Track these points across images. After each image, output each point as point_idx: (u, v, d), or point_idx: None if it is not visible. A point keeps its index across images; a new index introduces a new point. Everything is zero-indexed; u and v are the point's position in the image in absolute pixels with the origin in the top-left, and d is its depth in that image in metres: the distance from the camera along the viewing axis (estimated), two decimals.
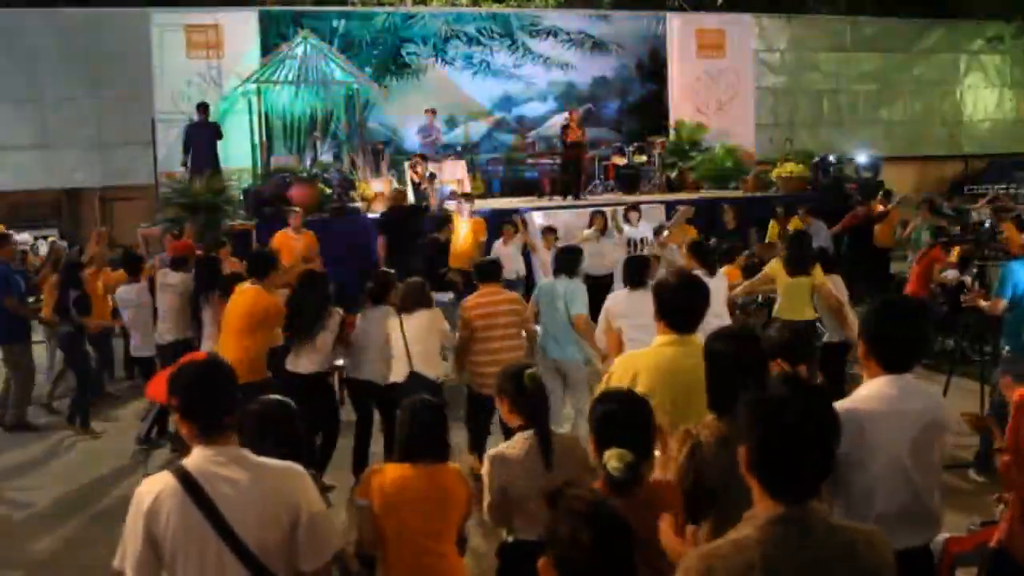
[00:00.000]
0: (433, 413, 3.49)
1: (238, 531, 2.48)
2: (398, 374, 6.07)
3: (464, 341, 6.19)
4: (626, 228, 11.57)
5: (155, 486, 2.52)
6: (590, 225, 11.47)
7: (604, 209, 11.77)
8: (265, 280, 6.22)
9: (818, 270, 7.25)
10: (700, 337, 3.46)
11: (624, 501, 2.59)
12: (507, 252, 10.91)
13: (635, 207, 12.11)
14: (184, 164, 13.58)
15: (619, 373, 3.49)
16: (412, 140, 15.97)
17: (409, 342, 6.03)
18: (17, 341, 8.16)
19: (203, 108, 13.70)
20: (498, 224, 11.79)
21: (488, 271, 6.46)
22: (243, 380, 4.48)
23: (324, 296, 6.29)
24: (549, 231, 11.43)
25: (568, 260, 6.74)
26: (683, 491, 2.81)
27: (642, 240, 11.57)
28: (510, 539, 3.44)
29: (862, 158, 16.17)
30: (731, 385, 2.87)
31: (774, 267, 7.44)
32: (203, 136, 13.59)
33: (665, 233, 10.27)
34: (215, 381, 2.63)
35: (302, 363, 6.16)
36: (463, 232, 11.52)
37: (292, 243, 10.52)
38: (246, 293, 6.16)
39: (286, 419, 3.16)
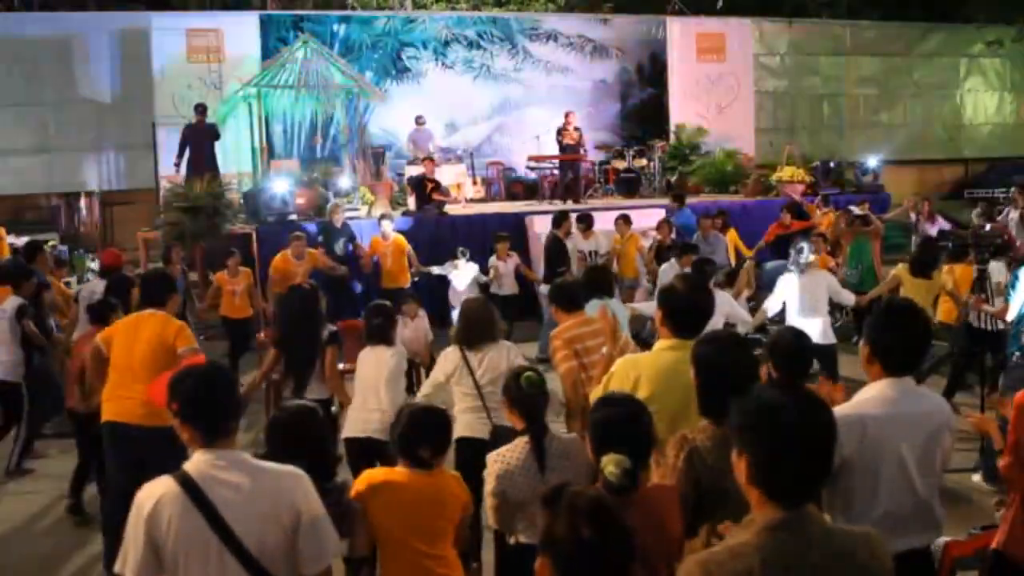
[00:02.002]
0: (432, 417, 3.49)
1: (239, 535, 2.48)
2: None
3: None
4: (574, 237, 10.68)
5: (156, 491, 2.52)
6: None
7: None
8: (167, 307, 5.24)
9: (944, 272, 7.68)
10: None
11: (622, 507, 2.59)
12: (507, 269, 10.66)
13: (586, 217, 11.05)
14: (176, 165, 13.48)
15: (620, 377, 3.49)
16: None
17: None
18: None
19: (201, 109, 13.65)
20: (494, 230, 11.56)
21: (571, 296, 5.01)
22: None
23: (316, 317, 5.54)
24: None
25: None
26: (682, 496, 2.81)
27: (592, 253, 10.72)
28: (512, 542, 3.44)
29: (872, 162, 16.15)
30: (723, 390, 2.85)
31: (900, 270, 7.91)
32: (201, 138, 13.54)
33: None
34: (216, 386, 2.64)
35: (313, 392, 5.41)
36: (388, 253, 10.74)
37: (293, 268, 9.73)
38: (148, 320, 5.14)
39: (313, 427, 3.19)
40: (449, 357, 4.91)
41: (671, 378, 3.34)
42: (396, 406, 4.58)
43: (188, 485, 2.49)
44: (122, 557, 2.53)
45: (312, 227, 11.66)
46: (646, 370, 3.43)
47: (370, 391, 5.12)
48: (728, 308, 7.01)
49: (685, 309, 3.52)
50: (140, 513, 2.50)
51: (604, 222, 11.52)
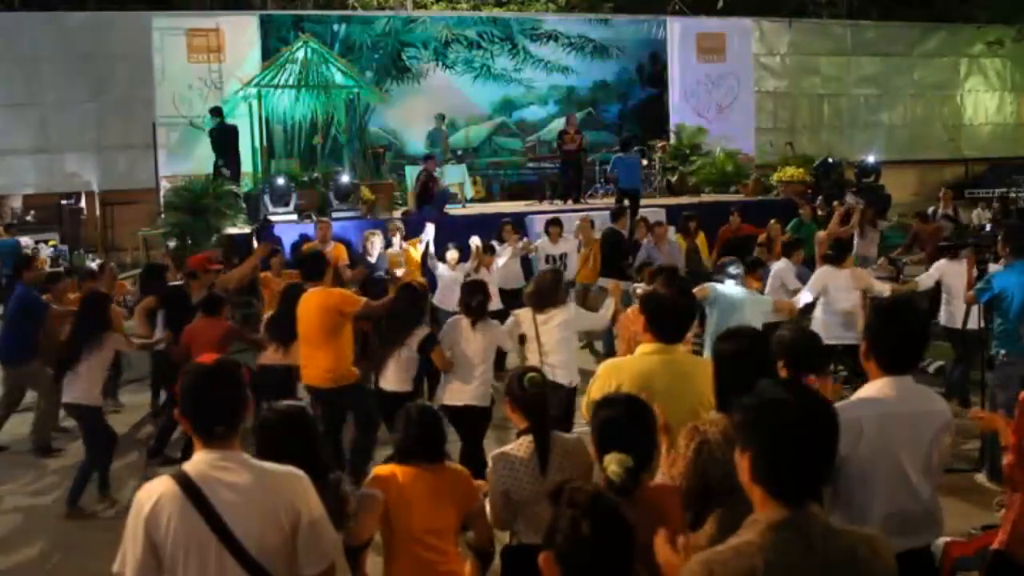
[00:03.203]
0: (429, 417, 3.51)
1: (239, 535, 2.47)
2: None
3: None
4: (541, 243, 10.52)
5: (155, 491, 2.51)
6: (500, 240, 10.27)
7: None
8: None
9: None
10: (683, 348, 3.58)
11: (624, 505, 2.60)
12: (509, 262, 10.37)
13: (557, 222, 10.76)
14: (226, 166, 13.50)
15: (602, 381, 3.51)
16: (413, 144, 15.95)
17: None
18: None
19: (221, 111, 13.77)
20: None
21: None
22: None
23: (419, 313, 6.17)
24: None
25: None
26: (689, 487, 2.83)
27: (561, 256, 10.35)
28: (513, 542, 3.45)
29: (871, 158, 16.17)
30: (739, 384, 2.90)
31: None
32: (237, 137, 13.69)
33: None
34: (216, 386, 2.60)
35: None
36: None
37: (273, 286, 9.29)
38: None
39: (302, 428, 3.23)
40: (521, 317, 5.90)
41: (653, 382, 3.35)
42: (490, 376, 5.82)
43: (187, 485, 2.48)
44: (121, 557, 2.52)
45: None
46: (628, 374, 3.45)
47: (468, 363, 5.73)
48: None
49: (668, 314, 3.54)
50: (139, 513, 2.49)
51: (604, 222, 11.47)
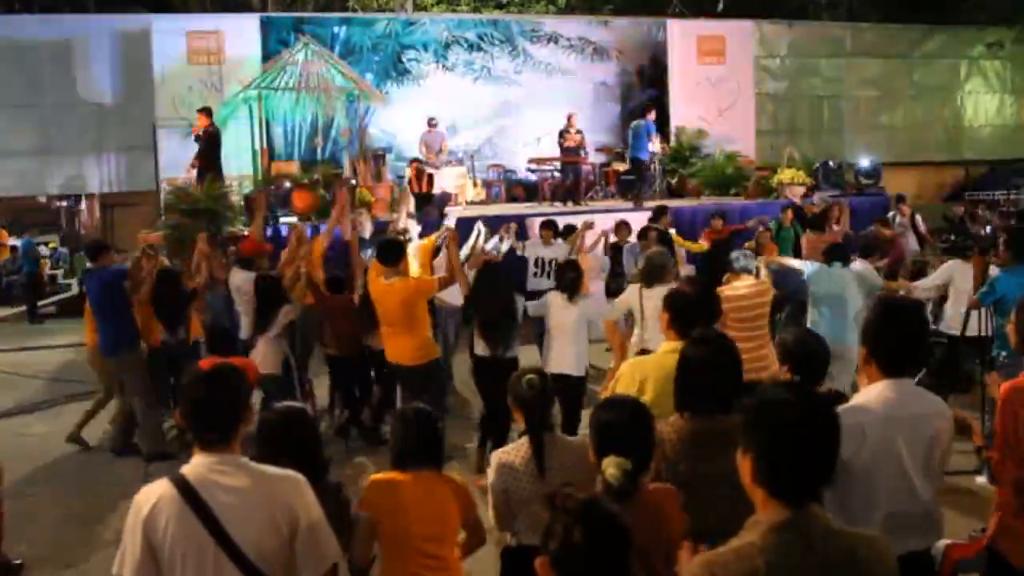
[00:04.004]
0: (427, 421, 3.50)
1: (236, 539, 2.47)
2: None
3: None
4: (531, 244, 10.35)
5: (153, 493, 2.52)
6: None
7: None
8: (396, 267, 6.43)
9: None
10: None
11: (622, 508, 2.60)
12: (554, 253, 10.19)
13: (550, 224, 10.48)
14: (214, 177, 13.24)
15: (626, 380, 3.52)
16: (414, 146, 15.93)
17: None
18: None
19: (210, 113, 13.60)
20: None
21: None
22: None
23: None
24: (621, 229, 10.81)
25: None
26: None
27: (551, 261, 9.73)
28: (513, 543, 3.45)
29: (864, 162, 16.17)
30: (703, 387, 3.05)
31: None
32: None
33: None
34: (213, 391, 2.60)
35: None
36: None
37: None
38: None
39: (301, 428, 3.26)
40: (629, 292, 6.48)
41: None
42: (585, 347, 6.48)
43: (185, 489, 2.49)
44: (119, 559, 2.52)
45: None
46: (652, 372, 3.46)
47: (564, 335, 6.38)
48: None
49: (693, 311, 3.55)
50: (138, 515, 2.50)
51: (605, 224, 11.45)
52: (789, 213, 12.07)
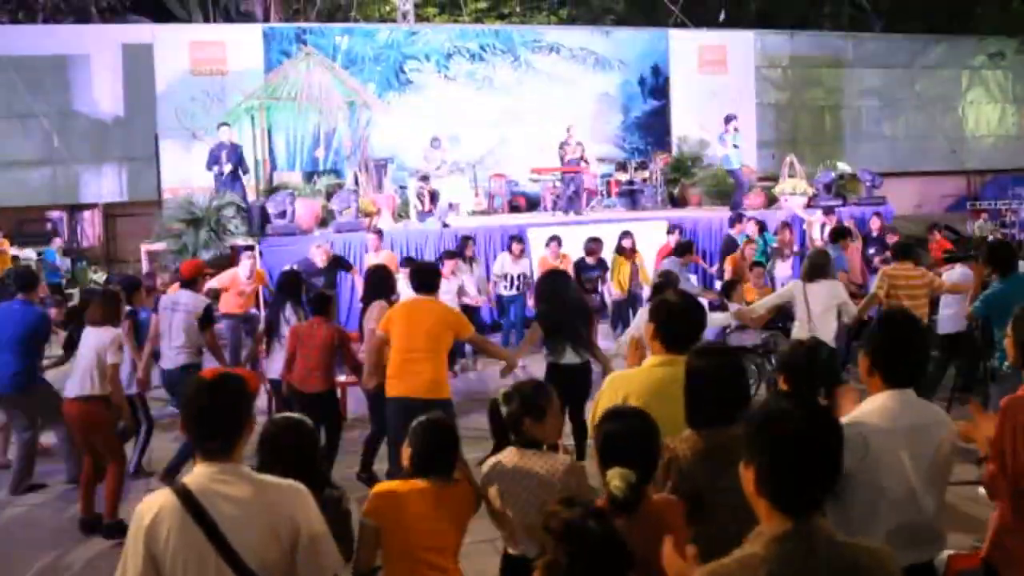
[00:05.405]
0: (444, 431, 3.50)
1: (238, 549, 2.47)
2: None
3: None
4: (501, 259, 10.79)
5: (155, 503, 2.52)
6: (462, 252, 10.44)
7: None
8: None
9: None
10: None
11: (627, 520, 2.60)
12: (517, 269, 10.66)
13: (518, 239, 10.88)
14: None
15: (609, 393, 3.49)
16: (416, 156, 15.93)
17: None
18: None
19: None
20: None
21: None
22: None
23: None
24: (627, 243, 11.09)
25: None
26: None
27: (520, 276, 10.66)
28: (512, 552, 3.44)
29: (867, 177, 16.15)
30: (709, 401, 2.99)
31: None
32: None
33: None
34: (213, 401, 2.60)
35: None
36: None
37: (242, 288, 9.90)
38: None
39: (302, 439, 3.28)
40: (791, 287, 7.18)
41: (661, 394, 3.33)
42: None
43: (187, 499, 2.49)
44: (121, 569, 2.52)
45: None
46: (636, 388, 3.43)
47: None
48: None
49: (677, 324, 3.53)
50: (139, 525, 2.50)
51: (606, 235, 11.49)
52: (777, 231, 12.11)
